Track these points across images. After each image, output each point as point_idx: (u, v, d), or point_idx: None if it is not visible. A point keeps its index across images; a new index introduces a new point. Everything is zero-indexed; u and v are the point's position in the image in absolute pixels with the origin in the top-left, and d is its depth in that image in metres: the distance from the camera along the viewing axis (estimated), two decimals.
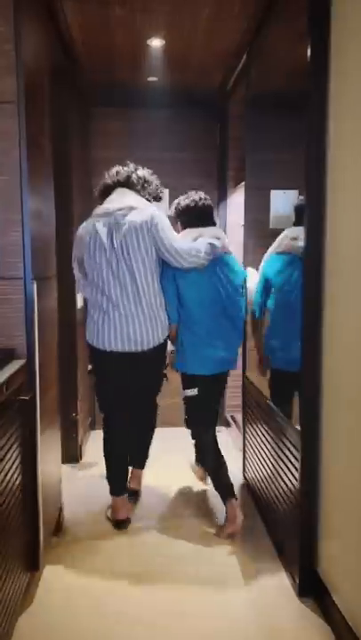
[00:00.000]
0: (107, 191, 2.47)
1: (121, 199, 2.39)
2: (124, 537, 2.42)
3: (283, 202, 3.36)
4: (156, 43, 2.71)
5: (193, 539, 2.39)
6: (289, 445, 2.10)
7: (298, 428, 1.98)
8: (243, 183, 3.69)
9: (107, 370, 2.51)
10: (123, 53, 2.88)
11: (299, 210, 2.66)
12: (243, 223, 3.85)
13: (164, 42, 2.71)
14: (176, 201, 2.57)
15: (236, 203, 3.82)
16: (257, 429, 2.66)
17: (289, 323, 2.18)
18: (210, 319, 2.44)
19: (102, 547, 2.33)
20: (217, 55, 2.88)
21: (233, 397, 3.95)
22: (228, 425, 3.93)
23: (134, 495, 2.76)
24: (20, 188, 1.83)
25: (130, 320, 2.36)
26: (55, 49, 2.70)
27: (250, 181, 2.94)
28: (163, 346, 2.50)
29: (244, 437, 2.97)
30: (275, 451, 2.32)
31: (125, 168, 2.48)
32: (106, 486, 2.58)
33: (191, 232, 2.48)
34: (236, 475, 3.01)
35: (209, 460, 2.56)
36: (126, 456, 2.66)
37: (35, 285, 1.91)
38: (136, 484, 2.82)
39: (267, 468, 2.46)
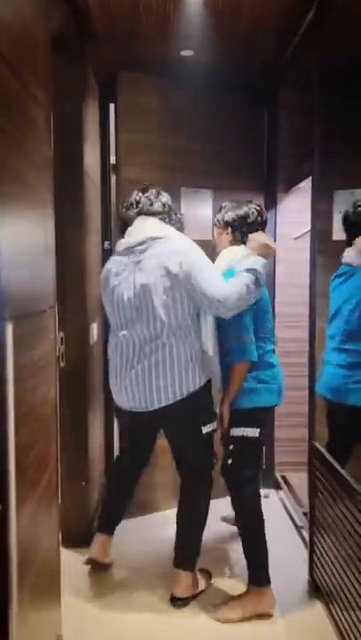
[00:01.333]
0: (128, 224, 2.09)
1: (141, 229, 2.03)
2: None
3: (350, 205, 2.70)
4: None
5: None
6: None
7: None
8: (298, 186, 2.97)
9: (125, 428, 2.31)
10: (149, 13, 2.18)
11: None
12: (295, 236, 3.13)
13: None
14: (238, 210, 2.17)
15: (287, 210, 3.09)
16: (332, 520, 1.88)
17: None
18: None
19: None
20: (273, 6, 2.14)
21: (283, 453, 3.17)
22: (277, 487, 3.13)
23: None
24: None
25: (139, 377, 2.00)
26: (62, 11, 2.04)
27: (319, 181, 2.21)
28: (189, 403, 1.99)
29: (312, 527, 2.17)
30: None
31: (146, 194, 2.09)
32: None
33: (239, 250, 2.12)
34: (297, 569, 2.27)
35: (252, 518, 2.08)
36: (127, 490, 2.30)
37: (9, 328, 1.19)
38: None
39: (350, 582, 1.68)
